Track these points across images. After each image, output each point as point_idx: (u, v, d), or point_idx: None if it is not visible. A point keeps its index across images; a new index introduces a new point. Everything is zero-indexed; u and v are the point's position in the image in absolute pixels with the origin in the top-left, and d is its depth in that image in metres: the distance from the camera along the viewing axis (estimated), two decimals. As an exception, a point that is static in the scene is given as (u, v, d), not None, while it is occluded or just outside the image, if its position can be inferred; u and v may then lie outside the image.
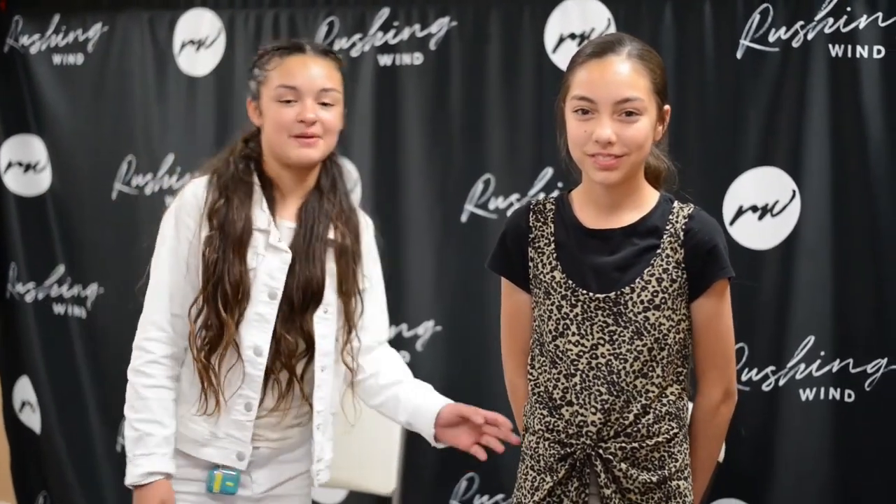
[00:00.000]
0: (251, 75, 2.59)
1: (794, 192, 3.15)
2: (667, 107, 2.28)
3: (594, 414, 2.26)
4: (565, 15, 3.37)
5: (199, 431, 2.54)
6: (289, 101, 2.50)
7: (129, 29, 3.85)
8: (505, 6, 3.44)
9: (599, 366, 2.26)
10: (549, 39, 3.38)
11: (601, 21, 3.32)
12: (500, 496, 3.50)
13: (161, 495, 2.49)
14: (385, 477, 3.47)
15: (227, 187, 2.52)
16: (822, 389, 3.14)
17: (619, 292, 2.26)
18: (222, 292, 2.47)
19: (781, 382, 3.17)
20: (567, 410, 2.28)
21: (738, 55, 3.19)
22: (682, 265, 2.28)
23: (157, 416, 2.49)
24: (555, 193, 2.78)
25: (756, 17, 3.16)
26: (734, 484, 3.19)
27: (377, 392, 2.69)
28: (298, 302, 2.54)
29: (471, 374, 3.48)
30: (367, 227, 2.71)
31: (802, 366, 3.15)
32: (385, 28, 3.56)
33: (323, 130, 2.51)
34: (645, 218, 2.30)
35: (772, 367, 3.19)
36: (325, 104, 2.52)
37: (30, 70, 4.00)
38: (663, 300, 2.26)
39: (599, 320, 2.26)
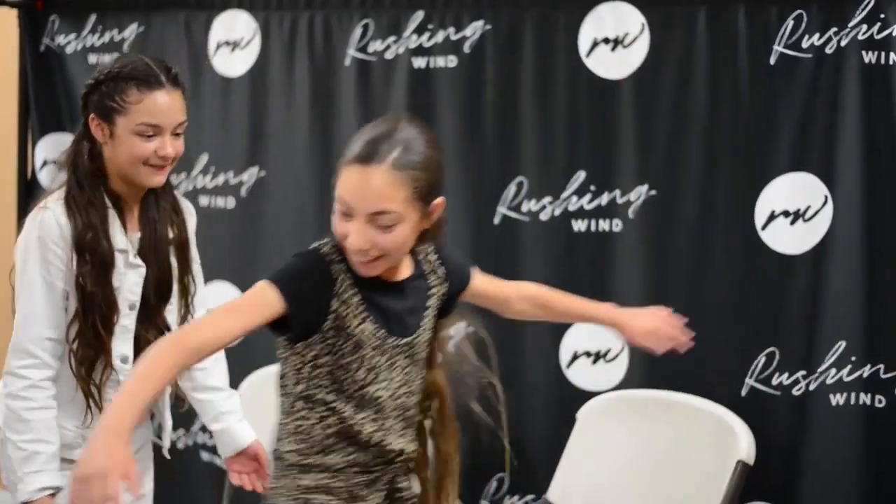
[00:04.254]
0: (100, 92, 2.60)
1: (826, 197, 3.16)
2: (438, 200, 2.24)
3: (400, 446, 2.32)
4: (599, 20, 3.38)
5: (69, 436, 2.66)
6: (148, 136, 2.63)
7: (164, 29, 3.89)
8: (539, 10, 3.45)
9: (401, 405, 2.32)
10: (583, 44, 3.40)
11: (635, 26, 3.34)
12: (529, 497, 3.51)
13: None
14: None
15: (86, 212, 2.64)
16: (853, 395, 3.14)
17: (414, 336, 2.31)
18: (100, 312, 2.61)
19: (812, 387, 3.18)
20: (374, 450, 2.30)
21: (772, 61, 3.20)
22: (445, 294, 2.37)
23: (41, 436, 2.60)
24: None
25: (790, 23, 3.17)
26: (763, 488, 3.20)
27: (202, 388, 2.87)
28: (154, 302, 2.71)
29: (502, 376, 3.49)
30: (190, 213, 2.84)
31: (833, 371, 3.15)
32: (419, 31, 3.58)
33: (173, 158, 2.68)
34: (416, 264, 2.35)
35: (802, 372, 3.19)
36: (177, 134, 2.69)
37: (65, 69, 4.03)
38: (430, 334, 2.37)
39: (399, 363, 2.31)
